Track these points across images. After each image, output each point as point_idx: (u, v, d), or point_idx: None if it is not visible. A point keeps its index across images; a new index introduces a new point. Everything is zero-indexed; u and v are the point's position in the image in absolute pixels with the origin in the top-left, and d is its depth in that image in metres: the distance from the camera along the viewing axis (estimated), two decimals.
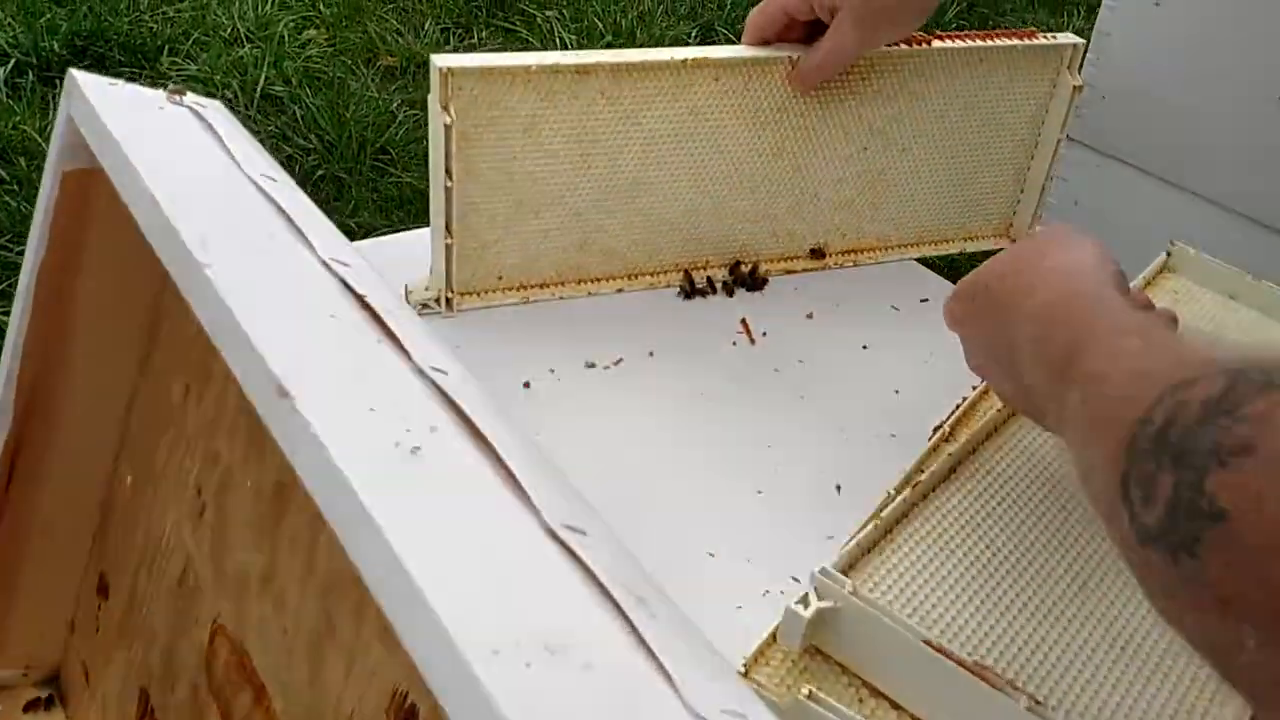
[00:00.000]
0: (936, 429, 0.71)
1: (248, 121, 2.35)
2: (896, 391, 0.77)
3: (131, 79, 0.65)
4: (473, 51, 2.42)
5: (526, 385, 0.73)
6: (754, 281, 0.85)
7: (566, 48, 2.54)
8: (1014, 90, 0.88)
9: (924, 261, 0.93)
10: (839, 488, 0.68)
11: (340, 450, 0.40)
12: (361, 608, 0.49)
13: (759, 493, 0.67)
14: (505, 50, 2.19)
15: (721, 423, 0.72)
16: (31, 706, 0.70)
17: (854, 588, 0.51)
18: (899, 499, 0.58)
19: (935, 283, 0.91)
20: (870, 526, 0.56)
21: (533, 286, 0.79)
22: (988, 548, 0.58)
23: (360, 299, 0.50)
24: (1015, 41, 0.86)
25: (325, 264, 0.52)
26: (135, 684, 0.66)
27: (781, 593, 0.60)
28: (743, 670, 0.52)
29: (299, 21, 2.62)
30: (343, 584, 0.50)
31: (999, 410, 0.66)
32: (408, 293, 0.76)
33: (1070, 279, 0.50)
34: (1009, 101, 0.89)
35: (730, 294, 0.84)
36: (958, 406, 0.71)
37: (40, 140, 2.14)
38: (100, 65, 2.39)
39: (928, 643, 0.49)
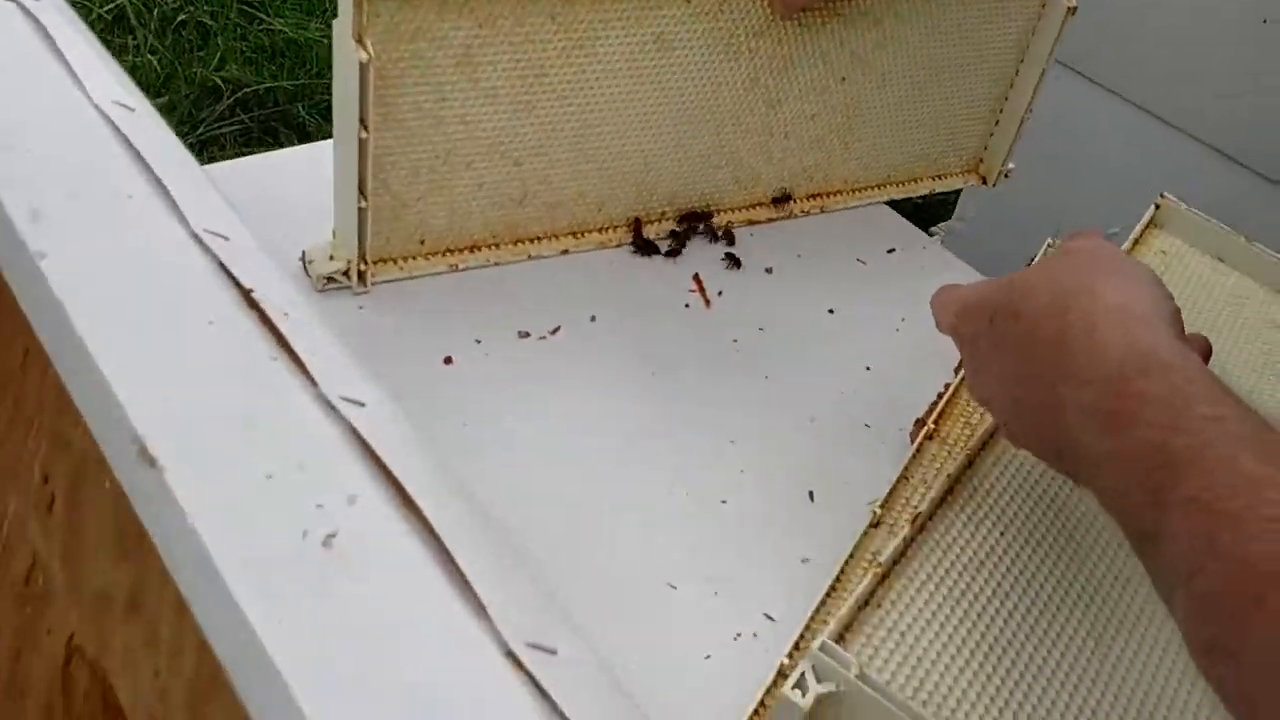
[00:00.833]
0: (918, 422, 0.63)
1: None
2: (867, 368, 0.69)
3: None
4: None
5: (448, 361, 0.62)
6: (725, 236, 0.75)
7: None
8: (1003, 10, 0.78)
9: (890, 203, 0.84)
10: (812, 495, 0.60)
11: (230, 557, 0.32)
12: None
13: (723, 502, 0.58)
14: None
15: (677, 410, 0.63)
16: None
17: (860, 669, 0.43)
18: (898, 539, 0.51)
19: (901, 230, 0.82)
20: (869, 576, 0.49)
21: (462, 250, 0.66)
22: (995, 593, 0.51)
23: (246, 293, 0.40)
24: None
25: (198, 238, 0.42)
26: None
27: (755, 635, 0.53)
28: None
29: None
30: None
31: None
32: (307, 263, 0.63)
33: (1131, 331, 0.41)
34: (997, 23, 0.79)
35: (680, 247, 0.73)
36: (940, 396, 0.63)
37: None
38: None
39: None
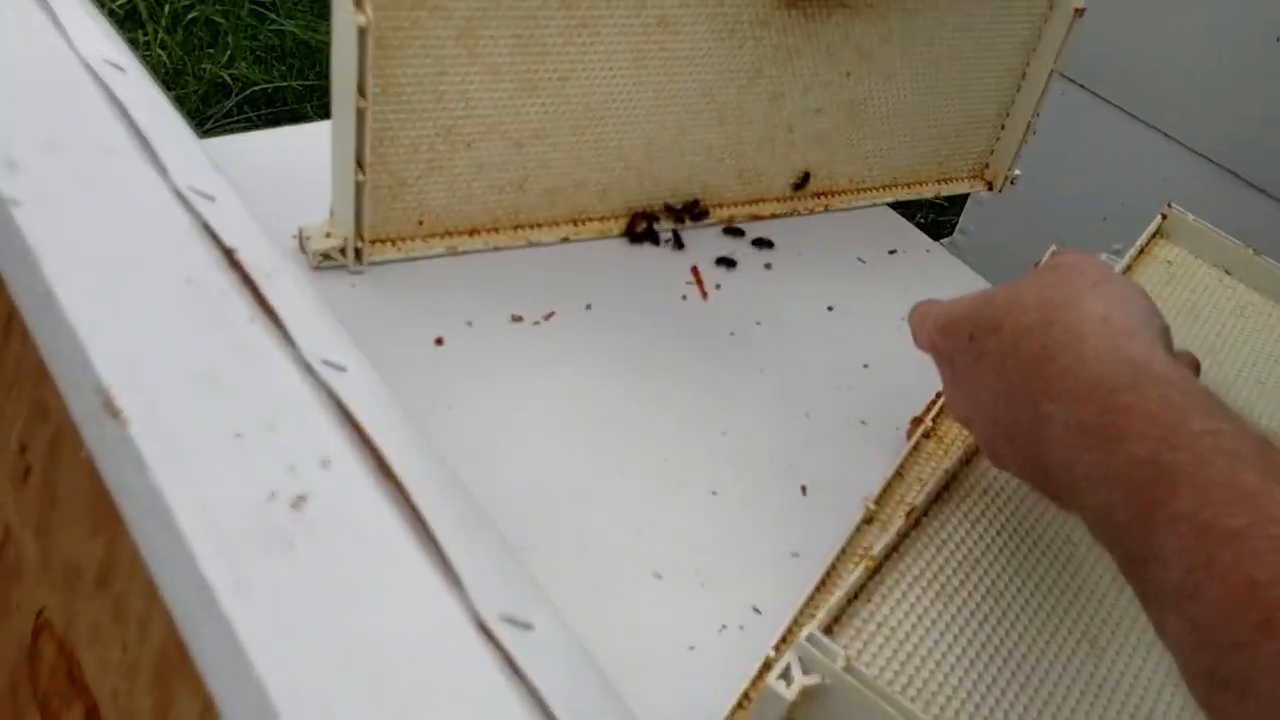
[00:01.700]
0: (915, 420, 0.62)
1: None
2: (865, 366, 0.68)
3: None
4: None
5: (439, 342, 0.61)
6: (732, 231, 0.74)
7: None
8: (1010, 10, 0.77)
9: (893, 205, 0.83)
10: (804, 489, 0.59)
11: (192, 518, 0.30)
12: None
13: (713, 494, 0.57)
14: None
15: (670, 401, 0.61)
16: None
17: (847, 661, 0.42)
18: (891, 532, 0.49)
19: (903, 231, 0.81)
20: (860, 568, 0.47)
21: (461, 233, 0.64)
22: (989, 591, 0.49)
23: (229, 253, 0.39)
24: None
25: (181, 196, 0.41)
26: None
27: (741, 628, 0.51)
28: None
29: None
30: None
31: None
32: (303, 239, 0.62)
33: (1119, 345, 0.39)
34: (1003, 23, 0.78)
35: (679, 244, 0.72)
36: (938, 395, 0.62)
37: None
38: None
39: None
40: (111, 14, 1.97)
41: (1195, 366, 0.48)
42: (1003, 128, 0.84)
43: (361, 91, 0.55)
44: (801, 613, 0.49)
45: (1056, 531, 0.53)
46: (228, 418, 0.33)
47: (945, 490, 0.53)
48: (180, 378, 0.34)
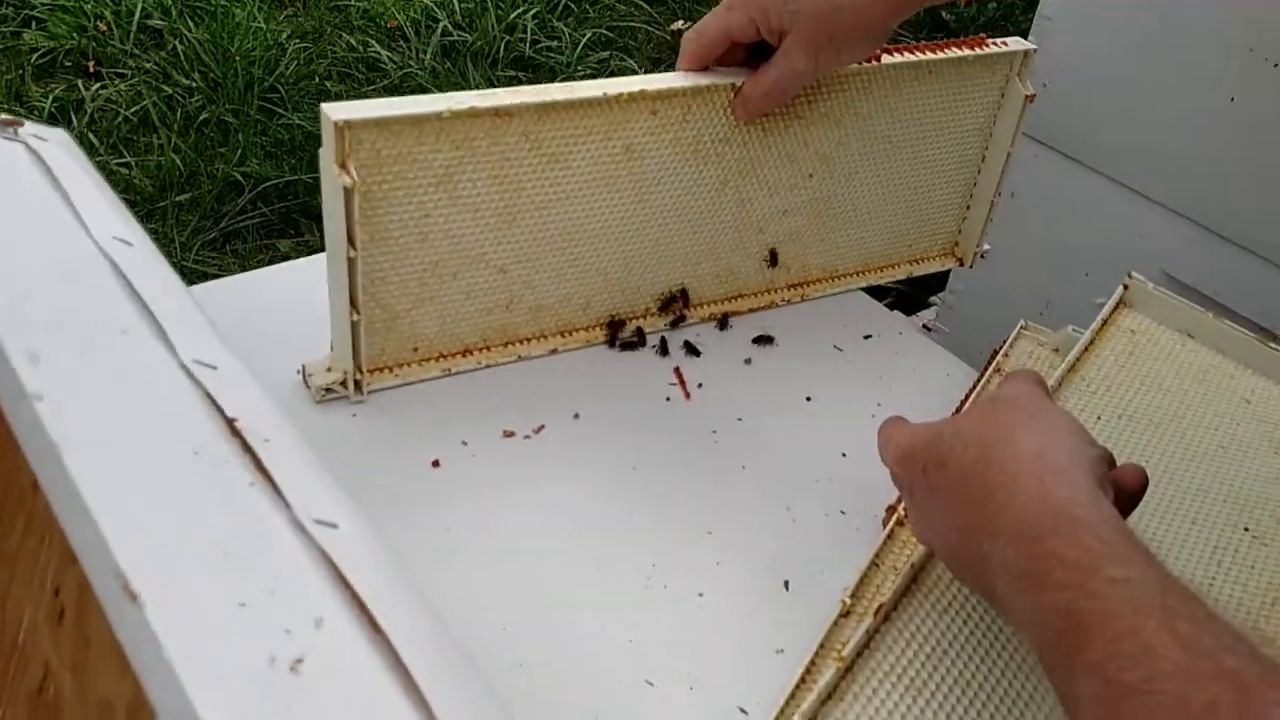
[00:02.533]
0: (890, 509, 0.65)
1: (124, 57, 2.18)
2: (844, 455, 0.71)
3: None
4: None
5: (436, 464, 0.65)
6: (721, 322, 0.79)
7: None
8: (963, 102, 0.81)
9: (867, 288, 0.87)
10: (787, 584, 0.62)
11: (201, 687, 0.34)
12: None
13: (700, 595, 0.60)
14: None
15: (657, 504, 0.65)
16: None
17: None
18: (860, 630, 0.53)
19: (878, 316, 0.85)
20: (832, 669, 0.51)
21: (454, 355, 0.69)
22: (957, 682, 0.52)
23: (230, 422, 0.43)
24: (964, 52, 0.79)
25: (187, 370, 0.44)
26: None
27: None
28: None
29: None
30: None
31: None
32: (306, 376, 0.67)
33: (1046, 485, 0.43)
34: (958, 114, 0.82)
35: (695, 352, 0.76)
36: None
37: None
38: None
39: None
40: (125, 121, 2.05)
41: (1140, 480, 0.51)
42: (968, 207, 0.88)
43: (351, 242, 0.60)
44: (782, 713, 0.52)
45: None
46: (233, 587, 0.37)
47: (913, 583, 0.57)
48: (190, 550, 0.38)
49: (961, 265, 0.91)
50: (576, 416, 0.70)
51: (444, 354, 0.69)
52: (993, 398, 0.51)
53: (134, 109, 2.07)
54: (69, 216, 0.51)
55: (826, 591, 0.61)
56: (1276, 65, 1.02)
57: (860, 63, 0.74)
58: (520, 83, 1.89)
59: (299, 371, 0.67)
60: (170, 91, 2.10)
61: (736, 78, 0.69)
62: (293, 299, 0.73)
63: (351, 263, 0.61)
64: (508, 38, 2.37)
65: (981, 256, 0.90)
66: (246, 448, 0.42)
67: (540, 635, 0.56)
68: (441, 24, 2.36)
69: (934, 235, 0.88)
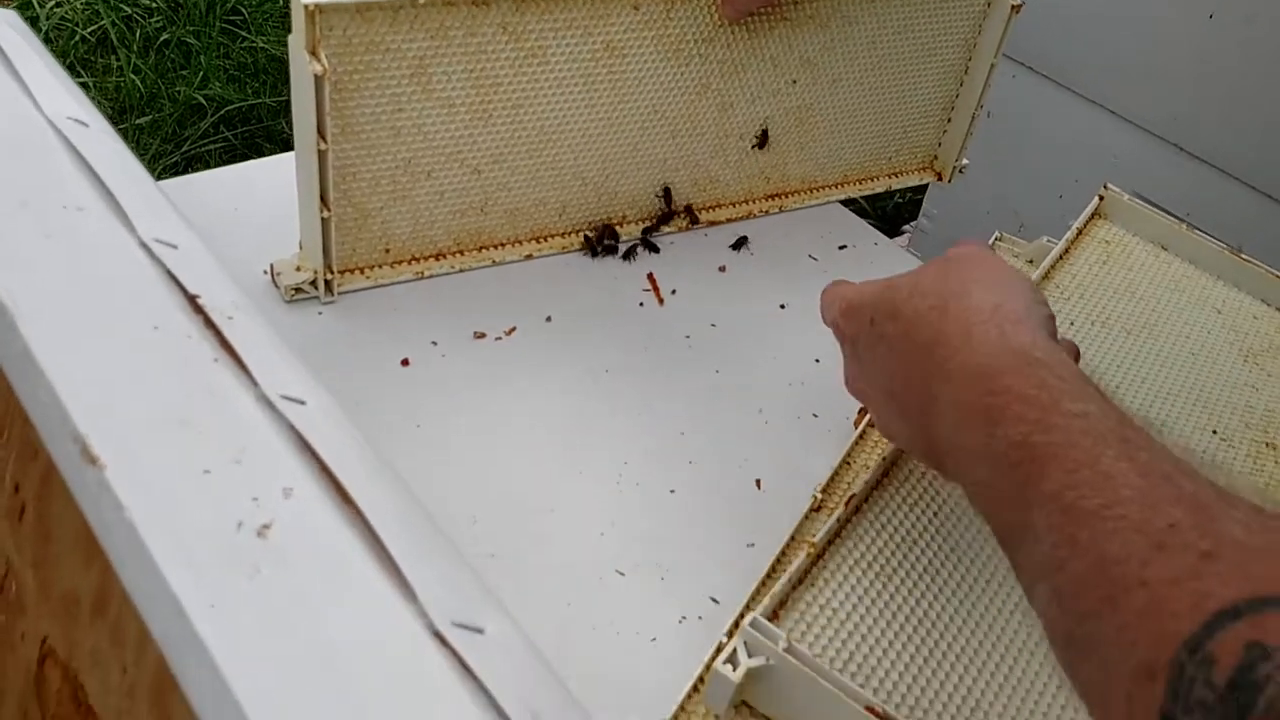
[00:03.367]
0: (862, 410, 0.65)
1: None
2: (817, 360, 0.71)
3: None
4: None
5: (405, 363, 0.64)
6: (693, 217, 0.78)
7: None
8: (950, 9, 0.80)
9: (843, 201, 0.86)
10: (759, 483, 0.62)
11: (167, 549, 0.33)
12: None
13: (671, 493, 0.60)
14: None
15: (628, 405, 0.65)
16: None
17: (788, 643, 0.45)
18: (832, 519, 0.53)
19: (853, 227, 0.85)
20: (802, 555, 0.51)
21: (427, 258, 0.68)
22: (926, 570, 0.53)
23: (192, 299, 0.42)
24: None
25: (146, 247, 0.43)
26: None
27: (700, 618, 0.55)
28: None
29: None
30: None
31: None
32: (275, 275, 0.65)
33: (1005, 332, 0.43)
34: (944, 22, 0.81)
35: (654, 249, 0.75)
36: None
37: None
38: None
39: (871, 709, 0.44)
40: (83, 40, 1.99)
41: (1075, 353, 0.52)
42: (949, 121, 0.87)
43: (321, 134, 0.58)
44: (751, 600, 0.53)
45: None
46: (196, 455, 0.36)
47: (885, 477, 0.57)
48: (151, 420, 0.37)
49: (940, 180, 0.90)
50: (549, 319, 0.69)
51: (416, 256, 0.68)
52: (947, 257, 0.51)
53: (91, 28, 2.01)
54: (18, 92, 0.50)
55: (798, 490, 0.61)
56: None
57: None
58: None
59: (266, 271, 0.66)
60: (129, 11, 2.04)
61: None
62: (260, 198, 0.71)
63: (322, 155, 0.59)
64: None
65: (960, 172, 0.90)
66: (210, 324, 0.41)
67: (510, 528, 0.56)
68: None
69: (914, 149, 0.87)
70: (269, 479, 0.36)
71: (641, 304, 0.72)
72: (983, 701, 0.48)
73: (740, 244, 0.78)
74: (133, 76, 1.93)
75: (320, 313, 0.65)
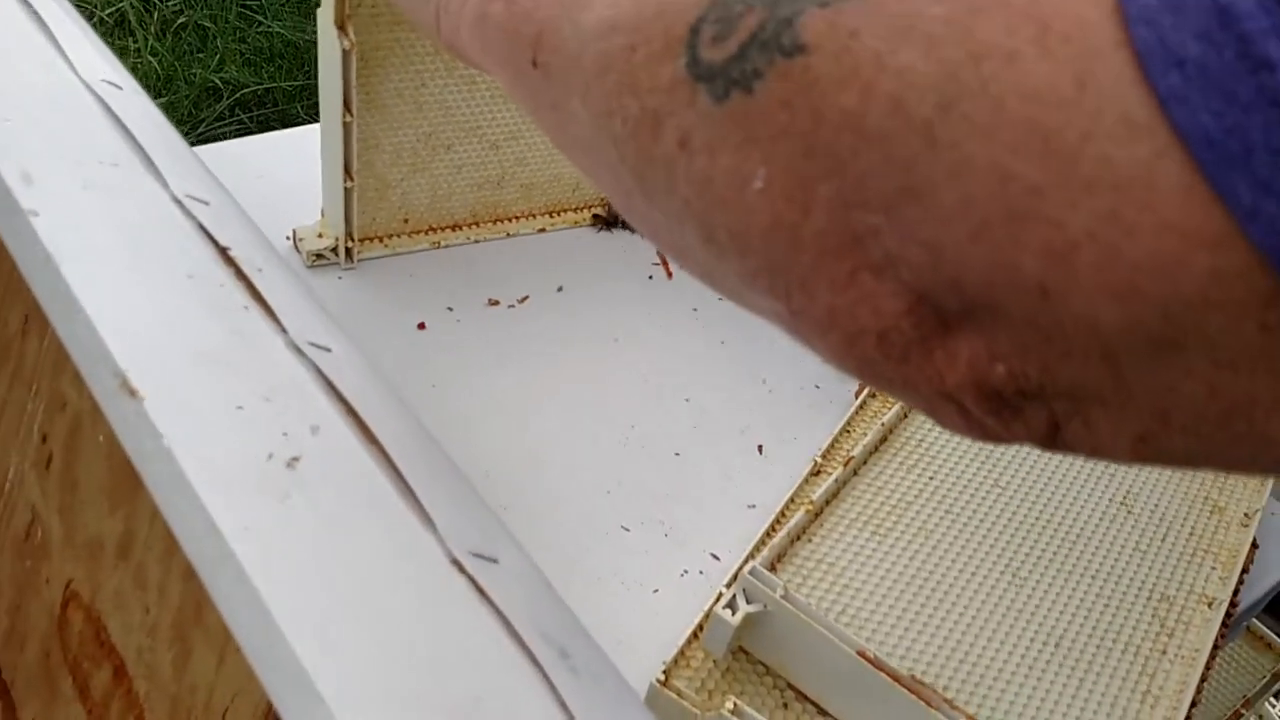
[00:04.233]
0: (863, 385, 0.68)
1: None
2: None
3: None
4: None
5: (421, 327, 0.66)
6: None
7: None
8: None
9: None
10: (761, 448, 0.64)
11: (202, 475, 0.36)
12: None
13: (676, 455, 0.63)
14: None
15: (636, 372, 0.67)
16: None
17: (785, 590, 0.48)
18: (831, 479, 0.55)
19: None
20: (801, 512, 0.53)
21: (444, 229, 0.70)
22: (920, 529, 0.55)
23: (223, 251, 0.44)
24: None
25: (179, 203, 0.46)
26: None
27: (701, 573, 0.57)
28: (662, 677, 0.48)
29: None
30: None
31: None
32: (297, 241, 0.67)
33: None
34: None
35: None
36: None
37: None
38: None
39: (862, 654, 0.46)
40: (101, 22, 2.02)
41: None
42: None
43: (347, 107, 0.60)
44: (752, 554, 0.55)
45: (986, 476, 0.59)
46: (229, 392, 0.38)
47: (883, 442, 0.59)
48: (187, 359, 0.39)
49: None
50: (560, 289, 0.71)
51: (434, 227, 0.70)
52: None
53: (110, 10, 2.04)
54: (55, 56, 0.52)
55: (799, 456, 0.63)
56: None
57: None
58: None
59: (288, 237, 0.68)
60: None
61: None
62: (284, 167, 0.73)
63: (347, 127, 0.61)
64: None
65: None
66: (240, 275, 0.43)
67: (521, 483, 0.58)
68: None
69: None
70: (298, 417, 0.38)
71: (650, 276, 0.74)
72: (971, 652, 0.50)
73: None
74: (150, 58, 1.95)
75: (340, 278, 0.68)
